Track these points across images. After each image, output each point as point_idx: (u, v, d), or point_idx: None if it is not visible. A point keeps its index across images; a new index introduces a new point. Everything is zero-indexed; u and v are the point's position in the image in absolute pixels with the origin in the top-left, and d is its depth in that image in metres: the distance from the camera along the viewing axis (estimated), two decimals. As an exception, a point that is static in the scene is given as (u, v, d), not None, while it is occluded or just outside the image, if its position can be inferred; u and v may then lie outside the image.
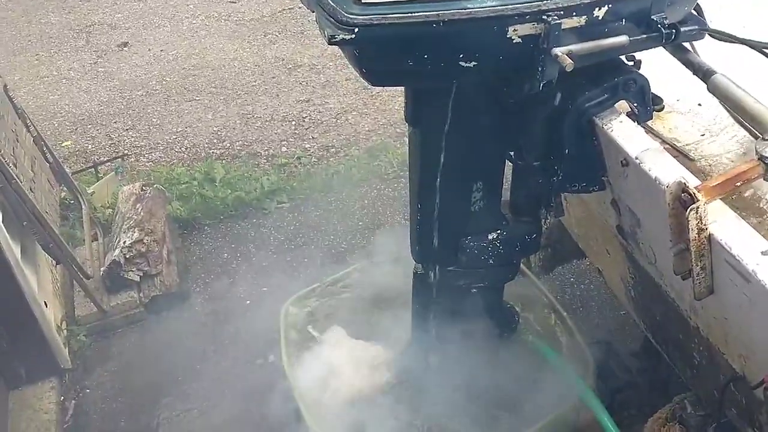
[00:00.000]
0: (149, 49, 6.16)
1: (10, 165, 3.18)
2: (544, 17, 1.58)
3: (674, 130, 2.18)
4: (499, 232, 2.13)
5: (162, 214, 4.05)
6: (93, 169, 4.64)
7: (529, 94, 1.74)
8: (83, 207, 3.96)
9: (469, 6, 1.56)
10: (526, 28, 1.60)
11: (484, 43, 1.61)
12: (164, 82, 5.72)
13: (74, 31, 6.58)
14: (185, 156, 4.91)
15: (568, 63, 1.56)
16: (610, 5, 1.63)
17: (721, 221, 1.54)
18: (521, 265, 2.56)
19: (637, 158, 1.75)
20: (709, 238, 1.54)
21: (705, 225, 1.52)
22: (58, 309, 3.62)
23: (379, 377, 2.31)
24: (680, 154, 2.08)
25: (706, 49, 1.96)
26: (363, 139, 4.84)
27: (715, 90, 1.74)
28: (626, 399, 2.60)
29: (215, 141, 5.03)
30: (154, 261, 3.79)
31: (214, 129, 5.14)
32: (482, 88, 1.82)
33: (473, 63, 1.64)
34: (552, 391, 2.22)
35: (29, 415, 3.29)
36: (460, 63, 1.63)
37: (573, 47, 1.60)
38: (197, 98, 5.49)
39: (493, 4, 1.57)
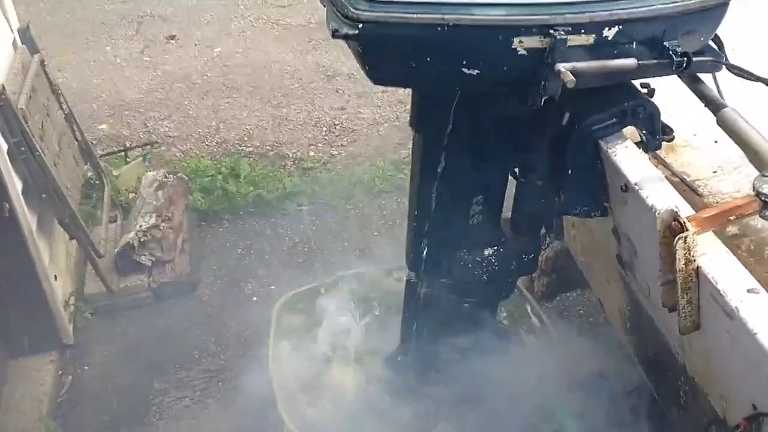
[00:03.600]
0: (195, 44, 6.26)
1: (36, 138, 3.24)
2: (551, 32, 1.56)
3: (686, 164, 2.14)
4: (495, 248, 2.10)
5: (182, 203, 4.09)
6: (123, 153, 4.72)
7: (534, 110, 1.72)
8: (106, 188, 4.01)
9: (476, 13, 1.56)
10: (532, 41, 1.58)
11: (488, 51, 1.60)
12: (205, 77, 5.80)
13: (126, 19, 6.72)
14: (215, 150, 4.96)
15: (570, 80, 1.54)
16: (620, 27, 1.61)
17: (710, 254, 1.50)
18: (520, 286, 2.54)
19: (636, 184, 1.72)
20: (697, 270, 1.50)
21: (693, 257, 1.48)
22: (68, 284, 3.67)
23: (363, 382, 2.29)
24: (689, 189, 2.04)
25: (730, 84, 1.92)
26: (391, 151, 4.84)
27: (723, 123, 1.70)
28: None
29: (246, 138, 5.07)
30: (167, 248, 3.82)
31: (247, 127, 5.19)
32: (486, 98, 1.80)
33: (476, 71, 1.63)
34: (536, 409, 2.19)
35: (26, 385, 3.33)
36: (463, 69, 1.62)
37: (577, 65, 1.58)
38: (234, 96, 5.56)
39: (501, 13, 1.56)
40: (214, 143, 5.06)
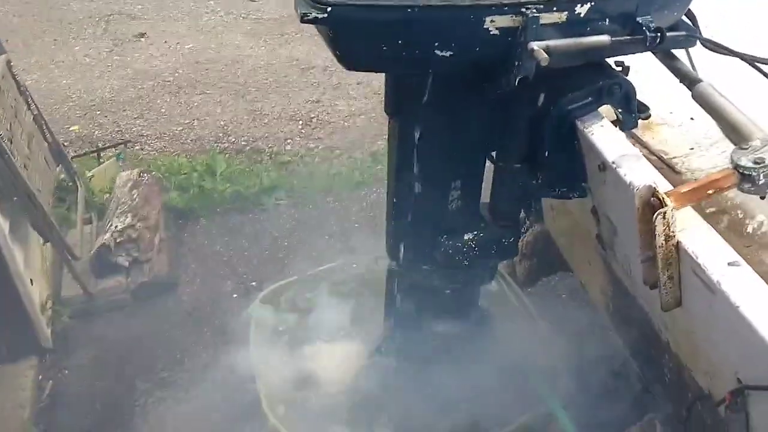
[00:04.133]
0: (165, 41, 6.19)
1: (5, 140, 3.17)
2: (523, 10, 1.54)
3: (664, 142, 2.13)
4: (475, 233, 2.08)
5: (158, 202, 4.04)
6: (96, 154, 4.64)
7: (509, 91, 1.70)
8: (79, 189, 3.95)
9: (445, -7, 1.53)
10: (504, 20, 1.56)
11: (460, 32, 1.58)
12: (177, 74, 5.74)
13: (94, 19, 6.64)
14: (190, 147, 4.91)
15: (543, 58, 1.52)
16: (592, 3, 1.59)
17: (690, 229, 1.49)
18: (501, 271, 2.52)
19: (613, 162, 1.70)
20: (677, 246, 1.48)
21: (673, 232, 1.46)
22: (45, 288, 3.60)
23: (345, 372, 2.27)
24: (666, 167, 2.03)
25: (705, 61, 1.91)
26: (368, 142, 4.81)
27: (699, 98, 1.69)
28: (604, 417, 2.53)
29: (221, 135, 5.02)
30: (144, 247, 3.77)
31: (221, 123, 5.14)
32: (461, 81, 1.78)
33: (449, 53, 1.60)
34: (522, 397, 2.18)
35: (6, 392, 3.27)
36: (436, 52, 1.60)
37: (551, 43, 1.56)
38: (208, 92, 5.50)
39: (471, -8, 1.54)
40: (188, 140, 5.00)
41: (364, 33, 1.59)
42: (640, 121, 1.99)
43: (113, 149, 4.73)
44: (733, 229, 1.67)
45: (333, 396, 2.25)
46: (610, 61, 1.91)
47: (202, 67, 5.78)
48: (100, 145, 4.94)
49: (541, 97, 1.86)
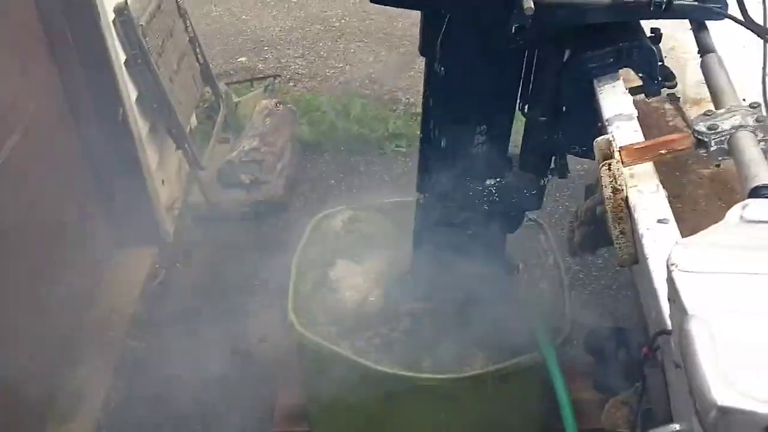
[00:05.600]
0: (340, -11, 6.54)
1: (154, 53, 3.63)
2: (519, -44, 1.62)
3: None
4: (497, 180, 2.17)
5: (287, 131, 4.39)
6: (249, 83, 5.09)
7: (533, 43, 1.78)
8: (221, 110, 4.38)
9: None
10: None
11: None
12: (343, 21, 6.07)
13: (283, -39, 7.11)
14: (335, 89, 5.23)
15: (528, 7, 1.59)
16: (597, -42, 1.63)
17: (641, 186, 1.52)
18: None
19: (607, 121, 1.74)
20: (626, 200, 1.52)
21: (620, 186, 1.50)
22: (175, 190, 4.09)
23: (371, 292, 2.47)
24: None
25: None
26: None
27: (703, 67, 1.68)
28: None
29: (367, 82, 5.30)
30: (265, 170, 4.14)
31: (370, 71, 5.41)
32: (475, 26, 1.87)
33: (454, -7, 1.71)
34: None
35: (125, 271, 3.78)
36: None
37: (545, -8, 1.63)
38: (365, 41, 5.79)
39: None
40: (336, 83, 5.33)
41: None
42: (691, 96, 1.98)
43: (265, 80, 5.14)
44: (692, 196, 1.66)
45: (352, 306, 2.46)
46: (647, 25, 1.92)
47: (366, 17, 6.06)
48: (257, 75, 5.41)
49: (566, 52, 1.91)
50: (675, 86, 1.93)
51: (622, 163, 1.51)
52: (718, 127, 1.43)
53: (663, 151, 1.50)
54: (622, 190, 1.52)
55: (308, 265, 2.59)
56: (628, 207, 1.54)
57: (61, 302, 3.20)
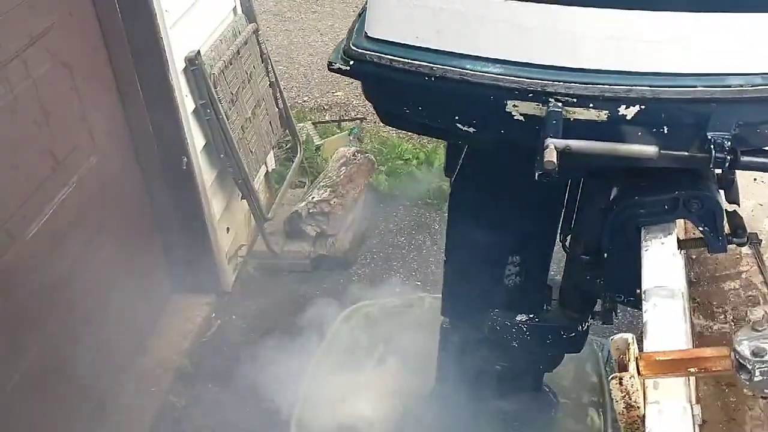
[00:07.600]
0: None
1: (224, 102, 3.53)
2: (550, 100, 1.35)
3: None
4: (531, 316, 1.89)
5: (362, 182, 4.21)
6: (337, 124, 4.96)
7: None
8: (298, 155, 4.26)
9: (468, 67, 1.39)
10: (528, 107, 1.39)
11: (480, 111, 1.44)
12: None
13: None
14: (424, 137, 5.00)
15: (548, 161, 1.32)
16: (643, 106, 1.33)
17: (664, 404, 1.22)
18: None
19: (644, 293, 1.43)
20: (643, 419, 1.23)
21: (636, 403, 1.21)
22: (242, 237, 3.99)
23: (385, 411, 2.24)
24: None
25: None
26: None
27: None
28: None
29: (458, 128, 5.04)
30: (333, 222, 3.97)
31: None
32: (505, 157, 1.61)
33: (471, 128, 1.47)
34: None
35: (179, 319, 3.71)
36: (458, 125, 1.47)
37: (573, 143, 1.35)
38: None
39: (495, 71, 1.38)
40: (426, 128, 5.10)
41: (387, 92, 1.52)
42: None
43: (351, 123, 4.99)
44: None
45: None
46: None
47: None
48: (354, 114, 5.28)
49: (614, 190, 1.62)
50: (745, 243, 1.60)
51: (639, 374, 1.21)
52: (767, 354, 1.11)
53: (692, 369, 1.19)
54: (639, 407, 1.22)
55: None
56: (644, 426, 1.24)
57: (110, 351, 3.16)
